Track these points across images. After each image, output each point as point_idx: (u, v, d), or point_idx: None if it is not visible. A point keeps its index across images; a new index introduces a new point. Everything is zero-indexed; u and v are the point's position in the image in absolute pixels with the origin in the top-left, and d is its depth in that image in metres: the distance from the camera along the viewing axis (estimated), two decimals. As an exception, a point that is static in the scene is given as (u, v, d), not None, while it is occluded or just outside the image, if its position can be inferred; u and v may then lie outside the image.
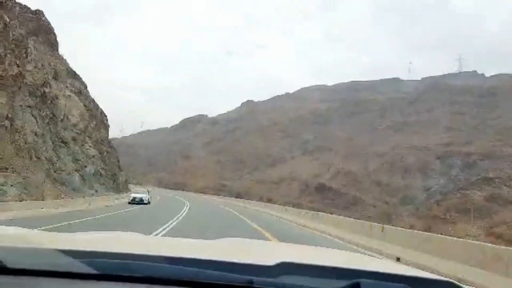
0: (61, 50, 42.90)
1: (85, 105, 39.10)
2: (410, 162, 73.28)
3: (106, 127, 52.62)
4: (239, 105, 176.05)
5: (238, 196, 79.91)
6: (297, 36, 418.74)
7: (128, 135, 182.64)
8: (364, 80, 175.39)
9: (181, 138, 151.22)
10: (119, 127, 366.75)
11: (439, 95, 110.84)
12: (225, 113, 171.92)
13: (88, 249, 1.07)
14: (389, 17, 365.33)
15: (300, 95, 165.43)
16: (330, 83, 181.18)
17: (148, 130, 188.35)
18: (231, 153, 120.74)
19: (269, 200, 74.39)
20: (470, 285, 1.30)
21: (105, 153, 42.25)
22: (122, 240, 1.58)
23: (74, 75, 42.57)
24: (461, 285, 1.04)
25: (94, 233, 1.86)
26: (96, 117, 43.83)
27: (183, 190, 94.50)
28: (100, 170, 36.76)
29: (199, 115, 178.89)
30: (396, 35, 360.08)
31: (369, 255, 5.15)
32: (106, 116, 53.32)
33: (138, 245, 1.44)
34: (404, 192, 68.39)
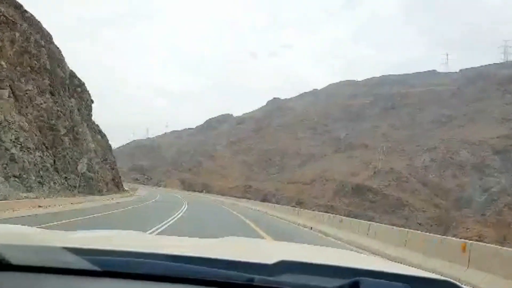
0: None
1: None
2: (462, 159, 63.22)
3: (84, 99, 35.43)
4: (264, 103, 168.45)
5: (265, 198, 72.12)
6: (322, 35, 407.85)
7: (153, 137, 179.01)
8: (396, 74, 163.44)
9: (205, 138, 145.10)
10: (145, 128, 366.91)
11: (485, 85, 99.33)
12: (250, 112, 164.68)
13: (91, 246, 1.08)
14: (418, 11, 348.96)
15: (329, 91, 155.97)
16: (359, 79, 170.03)
17: (173, 131, 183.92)
18: (258, 152, 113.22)
19: (300, 203, 66.23)
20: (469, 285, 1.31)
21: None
22: (125, 238, 1.59)
23: None
24: (459, 284, 1.03)
25: (97, 231, 1.84)
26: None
27: (203, 191, 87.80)
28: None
29: (224, 114, 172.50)
30: (426, 29, 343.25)
31: None
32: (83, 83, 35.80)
33: (141, 243, 1.45)
34: (457, 194, 58.53)
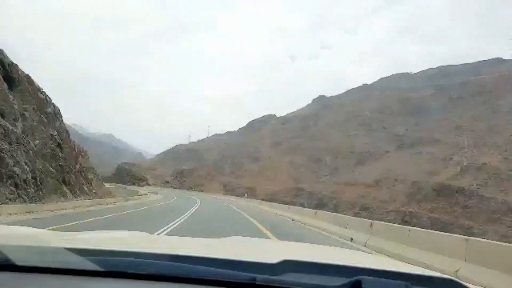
0: None
1: None
2: None
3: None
4: (310, 102, 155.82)
5: (320, 203, 59.54)
6: (364, 32, 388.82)
7: (195, 141, 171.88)
8: (455, 64, 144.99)
9: (248, 140, 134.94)
10: (187, 133, 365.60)
11: None
12: (295, 111, 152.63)
13: (94, 247, 1.08)
14: (463, 4, 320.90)
15: (381, 85, 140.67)
16: (412, 71, 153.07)
17: (215, 134, 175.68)
18: (306, 152, 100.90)
19: (365, 209, 53.07)
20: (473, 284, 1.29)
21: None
22: (128, 239, 1.58)
23: None
24: (463, 282, 1.02)
25: (101, 232, 1.84)
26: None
27: (245, 195, 76.75)
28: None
29: (267, 115, 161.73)
30: (477, 17, 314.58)
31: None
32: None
33: (144, 244, 1.44)
34: None
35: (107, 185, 46.78)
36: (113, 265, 0.90)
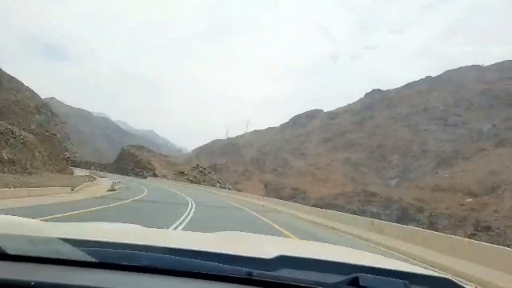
0: None
1: None
2: None
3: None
4: (362, 96, 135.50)
5: (404, 215, 41.02)
6: (411, 31, 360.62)
7: (233, 137, 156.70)
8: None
9: (292, 136, 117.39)
10: (225, 129, 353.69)
11: None
12: (345, 106, 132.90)
13: (88, 238, 1.05)
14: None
15: (449, 77, 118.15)
16: (487, 62, 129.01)
17: (255, 130, 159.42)
18: (364, 148, 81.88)
19: (487, 229, 34.01)
20: (468, 282, 1.26)
21: None
22: (122, 231, 1.55)
23: None
24: (458, 281, 1.00)
25: (94, 223, 1.77)
26: None
27: (295, 198, 59.22)
28: None
29: (313, 110, 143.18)
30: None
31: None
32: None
33: (139, 236, 1.41)
34: None
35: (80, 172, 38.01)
36: (106, 256, 0.88)
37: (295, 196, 66.10)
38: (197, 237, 1.56)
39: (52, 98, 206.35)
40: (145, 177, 64.02)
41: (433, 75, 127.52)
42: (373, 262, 1.16)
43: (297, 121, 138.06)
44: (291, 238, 9.37)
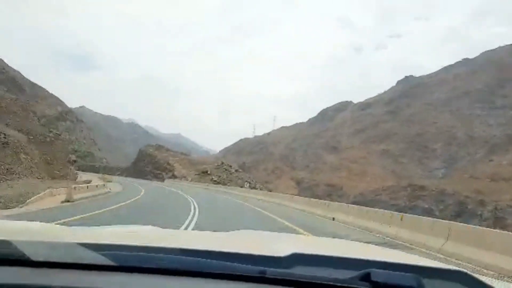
0: None
1: None
2: None
3: None
4: (394, 84, 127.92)
5: (462, 211, 35.56)
6: (436, 18, 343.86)
7: (260, 135, 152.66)
8: None
9: (321, 130, 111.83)
10: (252, 128, 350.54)
11: None
12: (376, 96, 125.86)
13: (107, 242, 1.08)
14: None
15: (487, 58, 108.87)
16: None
17: (282, 127, 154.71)
18: (402, 138, 75.56)
19: None
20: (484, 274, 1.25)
21: None
22: (139, 233, 1.60)
23: None
24: (473, 274, 0.98)
25: (112, 226, 1.80)
26: None
27: (331, 196, 54.41)
28: None
29: (342, 102, 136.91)
30: None
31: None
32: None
33: (155, 238, 1.45)
34: None
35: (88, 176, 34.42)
36: (125, 259, 0.90)
37: (331, 193, 61.12)
38: (211, 236, 1.60)
39: (82, 107, 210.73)
40: (163, 180, 59.15)
41: (469, 57, 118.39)
42: (385, 257, 1.16)
43: (325, 115, 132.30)
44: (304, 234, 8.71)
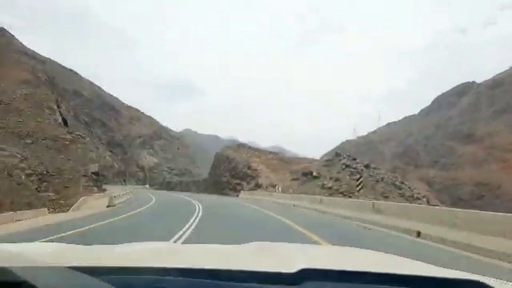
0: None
1: None
2: None
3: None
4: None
5: None
6: None
7: (364, 135, 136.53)
8: None
9: (443, 119, 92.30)
10: (352, 129, 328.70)
11: None
12: (508, 70, 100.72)
13: (113, 264, 1.06)
14: None
15: None
16: None
17: (388, 123, 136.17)
18: None
19: None
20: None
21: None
22: (143, 253, 1.53)
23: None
24: (491, 284, 0.93)
25: (121, 246, 1.63)
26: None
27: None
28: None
29: (461, 84, 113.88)
30: None
31: None
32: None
33: (160, 257, 1.41)
34: None
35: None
36: (131, 285, 0.88)
37: (483, 195, 44.81)
38: (220, 251, 1.53)
39: (186, 129, 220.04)
40: (237, 194, 41.83)
41: None
42: (400, 269, 1.08)
43: (442, 102, 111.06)
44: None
